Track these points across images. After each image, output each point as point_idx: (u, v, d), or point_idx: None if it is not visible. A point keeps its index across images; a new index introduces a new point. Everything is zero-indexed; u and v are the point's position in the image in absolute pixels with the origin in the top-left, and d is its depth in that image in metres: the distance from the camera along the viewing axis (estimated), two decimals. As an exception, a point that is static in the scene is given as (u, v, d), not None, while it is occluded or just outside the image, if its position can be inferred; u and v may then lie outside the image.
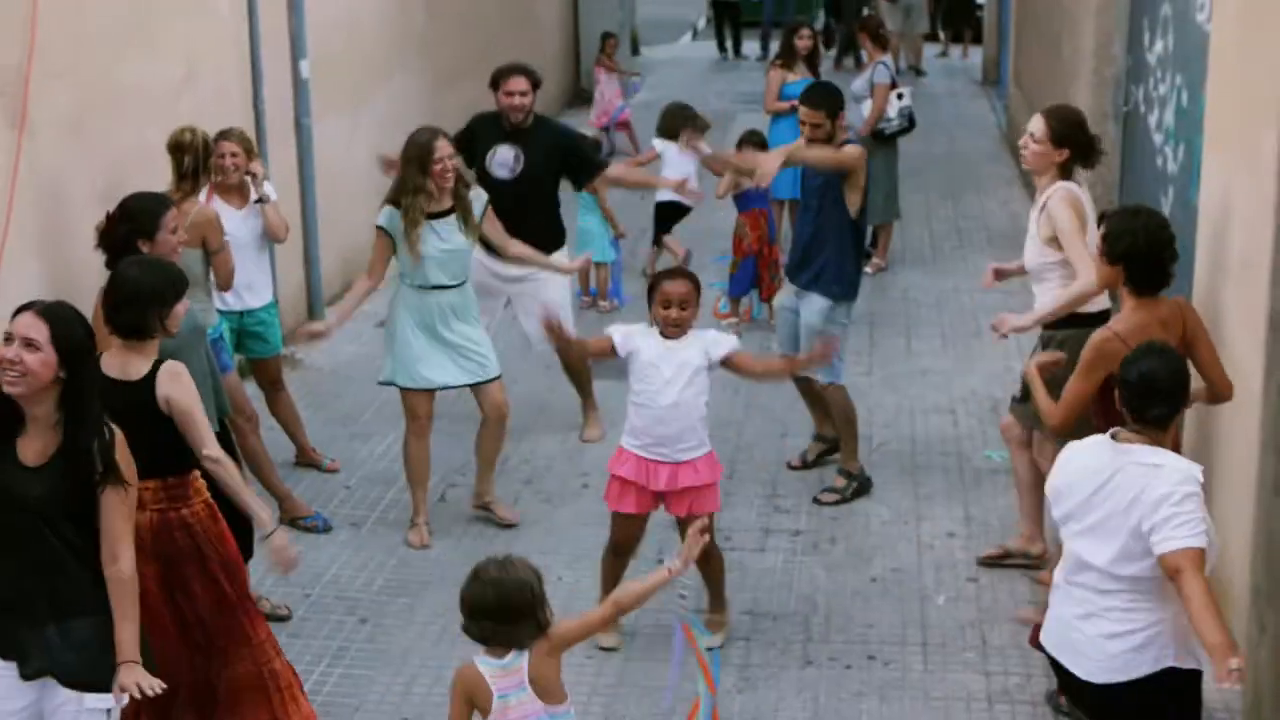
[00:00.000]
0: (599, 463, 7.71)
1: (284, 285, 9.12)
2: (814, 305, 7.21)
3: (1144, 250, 5.13)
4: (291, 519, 6.98)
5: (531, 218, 7.17)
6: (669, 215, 10.57)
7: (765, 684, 5.75)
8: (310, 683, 5.74)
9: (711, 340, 5.77)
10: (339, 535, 6.97)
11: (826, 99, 7.16)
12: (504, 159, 7.61)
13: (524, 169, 7.60)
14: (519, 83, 7.60)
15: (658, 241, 10.67)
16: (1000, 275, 6.53)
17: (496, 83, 7.66)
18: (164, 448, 4.83)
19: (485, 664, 4.13)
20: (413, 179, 6.59)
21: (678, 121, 9.64)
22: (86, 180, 6.98)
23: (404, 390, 6.85)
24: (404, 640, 6.05)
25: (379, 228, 6.72)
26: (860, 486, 7.33)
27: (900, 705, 5.61)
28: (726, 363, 5.77)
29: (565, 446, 7.98)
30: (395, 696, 5.69)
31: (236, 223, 6.94)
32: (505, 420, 7.03)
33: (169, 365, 4.85)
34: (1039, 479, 6.45)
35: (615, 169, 8.39)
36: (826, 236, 7.17)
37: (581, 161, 7.96)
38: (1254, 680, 1.69)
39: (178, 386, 4.82)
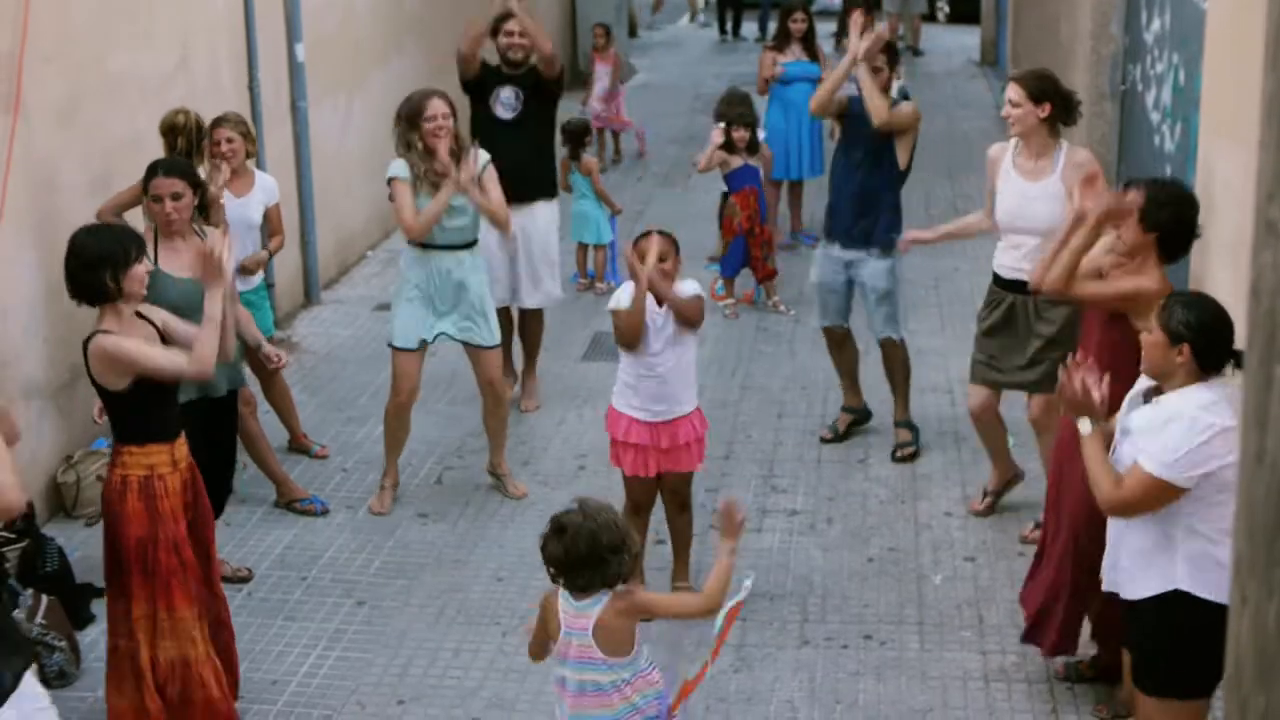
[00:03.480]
0: (596, 444, 7.73)
1: (280, 269, 9.13)
2: (877, 268, 7.44)
3: (1186, 217, 5.13)
4: (289, 502, 7.00)
5: (530, 156, 7.62)
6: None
7: (762, 664, 5.76)
8: (307, 665, 5.77)
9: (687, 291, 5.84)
10: (336, 518, 6.97)
11: (890, 50, 7.51)
12: (506, 99, 7.89)
13: (522, 109, 7.88)
14: (519, 24, 7.92)
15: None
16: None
17: (496, 29, 7.96)
18: (109, 408, 5.01)
19: (564, 599, 4.26)
20: (404, 135, 6.71)
21: (731, 109, 9.83)
22: (81, 166, 6.98)
23: (394, 352, 6.92)
24: (401, 622, 6.06)
25: (391, 178, 6.76)
26: (916, 430, 7.66)
27: (897, 684, 5.61)
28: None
29: (561, 428, 7.98)
30: (392, 678, 5.69)
31: (233, 207, 6.93)
32: (501, 395, 7.16)
33: (93, 345, 4.86)
34: None
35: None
36: (879, 192, 7.39)
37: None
38: (1235, 651, 1.69)
39: (101, 363, 4.86)
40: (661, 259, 5.71)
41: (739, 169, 9.67)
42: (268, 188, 7.29)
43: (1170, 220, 5.10)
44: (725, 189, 9.82)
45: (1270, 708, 1.70)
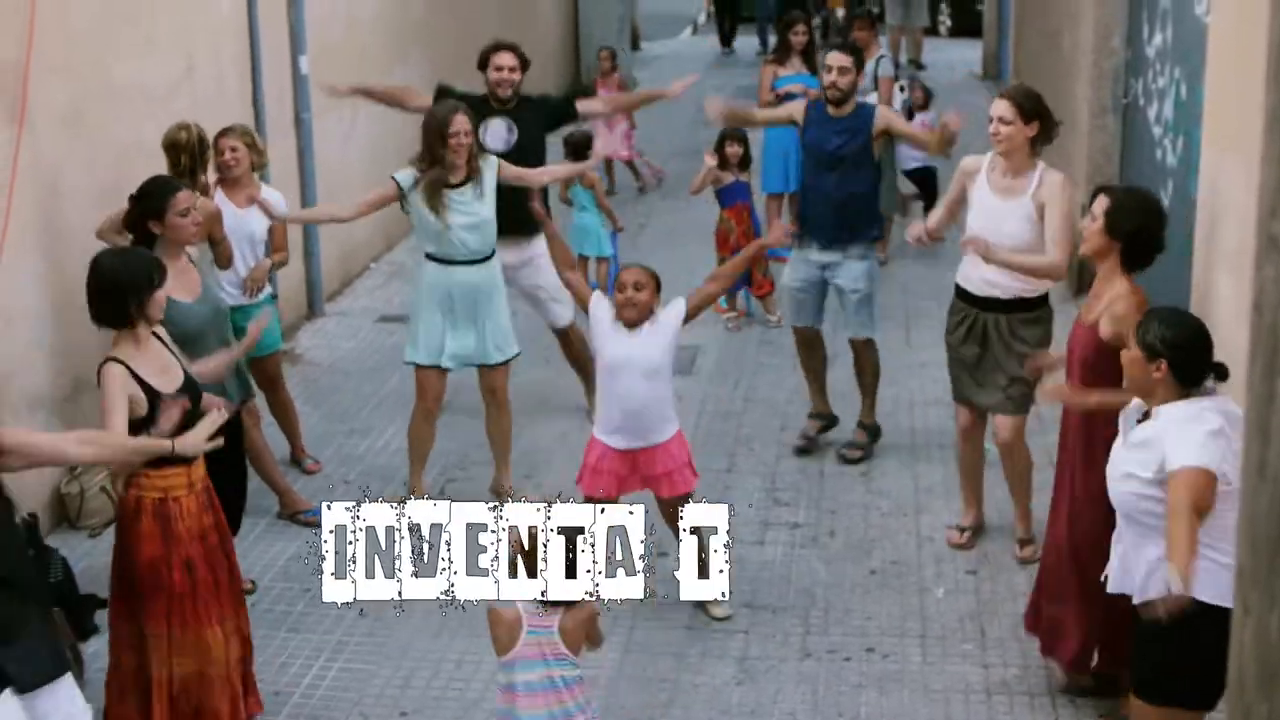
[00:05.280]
0: (598, 456, 7.74)
1: (284, 280, 9.13)
2: (856, 270, 7.46)
3: (1151, 229, 5.22)
4: (292, 513, 7.01)
5: (522, 192, 7.15)
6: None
7: (764, 676, 5.76)
8: (310, 677, 5.78)
9: (667, 321, 5.91)
10: (339, 529, 6.97)
11: (856, 52, 7.59)
12: (497, 131, 7.66)
13: (518, 141, 7.69)
14: (507, 58, 7.81)
15: None
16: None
17: (485, 60, 7.85)
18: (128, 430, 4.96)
19: (525, 603, 4.52)
20: (434, 149, 6.74)
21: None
22: (86, 175, 6.99)
23: (417, 368, 6.98)
24: (403, 634, 6.06)
25: (393, 178, 6.83)
26: (876, 436, 7.71)
27: (899, 697, 5.61)
28: (691, 316, 6.01)
29: (565, 442, 7.97)
30: (395, 690, 5.70)
31: (237, 220, 6.93)
32: (502, 404, 7.18)
33: (102, 371, 4.87)
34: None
35: (594, 102, 8.59)
36: (858, 193, 7.41)
37: (559, 101, 8.21)
38: (1237, 660, 1.71)
39: (102, 388, 4.88)
40: (637, 288, 5.81)
41: (730, 185, 9.69)
42: (273, 202, 7.24)
43: (1134, 229, 5.19)
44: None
45: (1273, 715, 1.71)
